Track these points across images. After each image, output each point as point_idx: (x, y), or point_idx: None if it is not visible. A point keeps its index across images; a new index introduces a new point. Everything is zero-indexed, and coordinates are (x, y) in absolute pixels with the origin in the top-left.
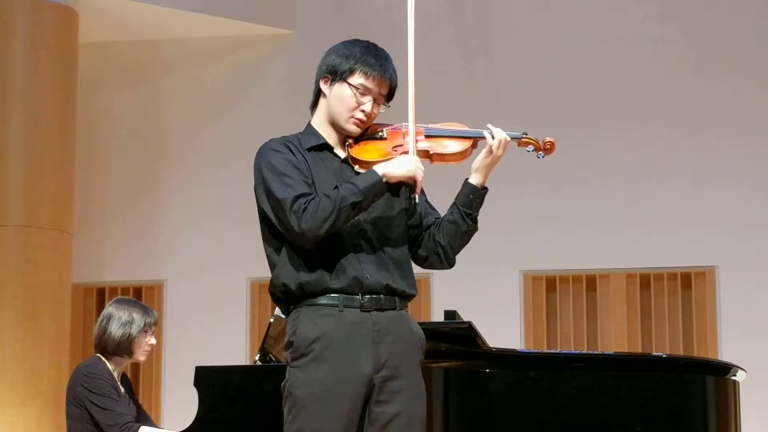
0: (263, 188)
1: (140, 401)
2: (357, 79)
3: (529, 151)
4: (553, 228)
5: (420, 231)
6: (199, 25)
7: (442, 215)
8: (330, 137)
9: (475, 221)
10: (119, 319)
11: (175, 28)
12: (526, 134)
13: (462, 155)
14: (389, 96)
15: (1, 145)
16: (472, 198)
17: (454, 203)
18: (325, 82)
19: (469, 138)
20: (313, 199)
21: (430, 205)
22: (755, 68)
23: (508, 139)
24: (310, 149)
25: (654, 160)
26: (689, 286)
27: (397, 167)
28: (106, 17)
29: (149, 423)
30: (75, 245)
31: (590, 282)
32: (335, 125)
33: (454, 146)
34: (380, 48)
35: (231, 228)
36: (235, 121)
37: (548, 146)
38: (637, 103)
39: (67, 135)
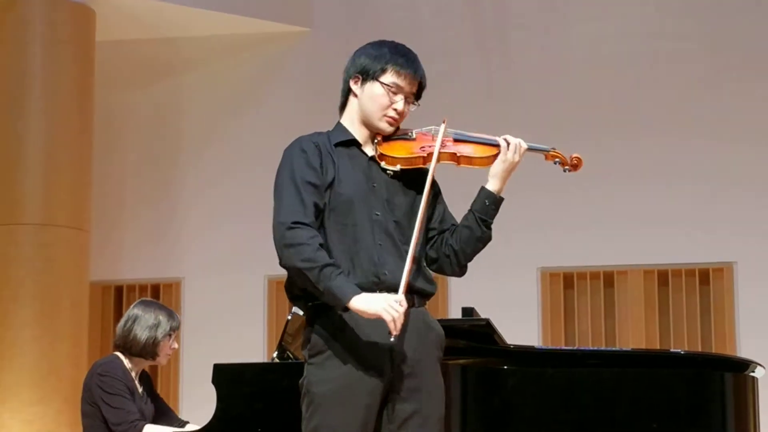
0: (277, 186)
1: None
2: (389, 77)
3: (555, 164)
4: (570, 225)
5: (435, 233)
6: (216, 23)
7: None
8: (359, 135)
9: (489, 228)
10: (146, 322)
11: (192, 26)
12: (554, 149)
13: (488, 160)
14: (418, 94)
15: (20, 143)
16: (488, 204)
17: (470, 209)
18: (356, 82)
19: (495, 146)
20: (308, 230)
21: (449, 213)
22: None
23: (524, 146)
24: (337, 144)
25: (672, 157)
26: (707, 283)
27: (367, 305)
28: (122, 15)
29: (173, 419)
30: (93, 243)
31: (608, 279)
32: (368, 124)
33: (481, 151)
34: (407, 48)
35: (249, 225)
36: (252, 118)
37: (575, 161)
38: (656, 101)
39: (85, 133)
